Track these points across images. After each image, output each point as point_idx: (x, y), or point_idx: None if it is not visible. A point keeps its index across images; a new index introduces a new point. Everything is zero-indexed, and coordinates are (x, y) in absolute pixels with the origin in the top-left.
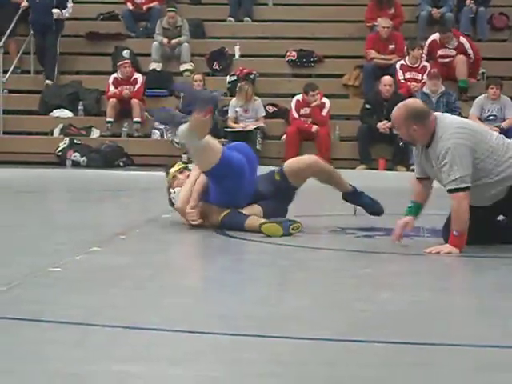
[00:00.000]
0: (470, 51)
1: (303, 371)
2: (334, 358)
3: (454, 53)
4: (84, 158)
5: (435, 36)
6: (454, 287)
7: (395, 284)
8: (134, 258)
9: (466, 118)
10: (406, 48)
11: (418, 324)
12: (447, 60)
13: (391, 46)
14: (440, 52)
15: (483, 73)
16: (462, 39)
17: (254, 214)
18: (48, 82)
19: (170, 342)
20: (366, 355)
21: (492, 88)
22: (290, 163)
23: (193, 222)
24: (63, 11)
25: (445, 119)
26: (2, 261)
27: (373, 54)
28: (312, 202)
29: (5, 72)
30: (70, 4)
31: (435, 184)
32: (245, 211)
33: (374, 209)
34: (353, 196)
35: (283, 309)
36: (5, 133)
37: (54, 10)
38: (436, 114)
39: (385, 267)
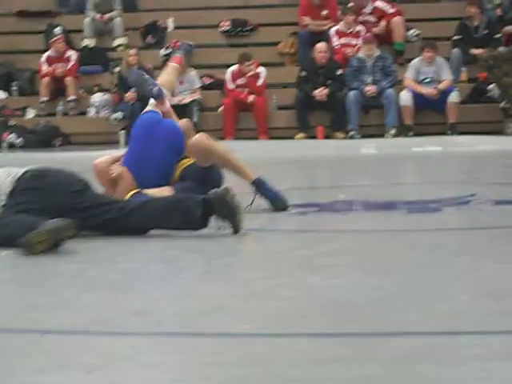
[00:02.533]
0: (391, 11)
1: (226, 373)
2: (257, 355)
3: (373, 19)
4: (20, 139)
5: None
6: (383, 267)
7: (325, 266)
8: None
9: (402, 81)
10: (339, 13)
11: (344, 312)
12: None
13: (325, 12)
14: (359, 19)
15: (418, 34)
16: (379, 3)
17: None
18: None
19: (88, 346)
20: (290, 351)
21: (428, 52)
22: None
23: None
24: None
25: None
26: None
27: (307, 20)
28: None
29: None
30: None
31: (364, 151)
32: (151, 192)
33: (279, 205)
34: (257, 187)
35: (206, 301)
36: None
37: None
38: None
39: (317, 247)
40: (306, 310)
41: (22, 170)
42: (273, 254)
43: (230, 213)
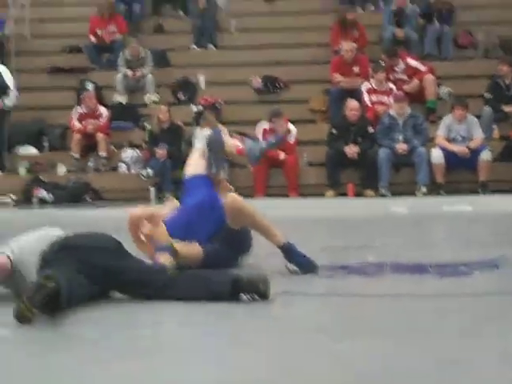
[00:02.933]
0: (423, 69)
1: None
2: None
3: (405, 77)
4: (50, 195)
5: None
6: (413, 335)
7: (353, 332)
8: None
9: (433, 139)
10: (370, 71)
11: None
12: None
13: (356, 69)
14: (391, 77)
15: (449, 92)
16: (410, 61)
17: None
18: None
19: None
20: None
21: (458, 109)
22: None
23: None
24: (5, 101)
25: None
26: None
27: (338, 77)
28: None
29: None
30: (13, 92)
31: (395, 209)
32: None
33: (307, 269)
34: (285, 252)
35: (236, 371)
36: None
37: None
38: None
39: (344, 312)
40: (339, 380)
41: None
42: (299, 319)
43: (259, 295)
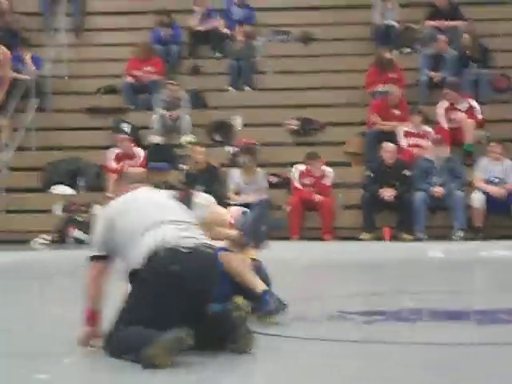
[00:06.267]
0: (480, 114)
1: None
2: None
3: (464, 116)
4: (87, 235)
5: (444, 102)
6: None
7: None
8: None
9: (470, 183)
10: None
11: None
12: (456, 125)
13: (397, 112)
14: (452, 115)
15: (487, 136)
16: (472, 101)
17: None
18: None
19: None
20: None
21: (493, 149)
22: None
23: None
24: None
25: None
26: None
27: (375, 119)
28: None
29: None
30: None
31: (432, 254)
32: None
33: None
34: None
35: None
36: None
37: None
38: None
39: (380, 360)
40: None
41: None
42: (337, 367)
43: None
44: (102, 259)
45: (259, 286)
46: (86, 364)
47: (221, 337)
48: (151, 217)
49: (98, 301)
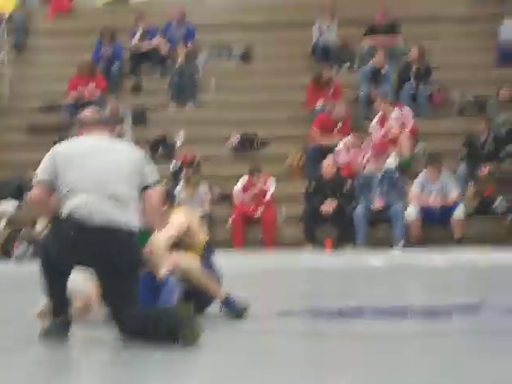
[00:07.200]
0: (412, 123)
1: None
2: None
3: (397, 125)
4: (30, 250)
5: (378, 114)
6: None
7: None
8: None
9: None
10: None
11: None
12: (392, 136)
13: (339, 127)
14: (386, 126)
15: (425, 149)
16: (404, 110)
17: None
18: None
19: None
20: None
21: (431, 168)
22: None
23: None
24: None
25: None
26: None
27: (317, 134)
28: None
29: None
30: None
31: (372, 263)
32: None
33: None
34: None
35: None
36: None
37: None
38: None
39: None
40: None
41: None
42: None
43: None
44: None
45: (221, 290)
46: None
47: (170, 331)
48: (83, 181)
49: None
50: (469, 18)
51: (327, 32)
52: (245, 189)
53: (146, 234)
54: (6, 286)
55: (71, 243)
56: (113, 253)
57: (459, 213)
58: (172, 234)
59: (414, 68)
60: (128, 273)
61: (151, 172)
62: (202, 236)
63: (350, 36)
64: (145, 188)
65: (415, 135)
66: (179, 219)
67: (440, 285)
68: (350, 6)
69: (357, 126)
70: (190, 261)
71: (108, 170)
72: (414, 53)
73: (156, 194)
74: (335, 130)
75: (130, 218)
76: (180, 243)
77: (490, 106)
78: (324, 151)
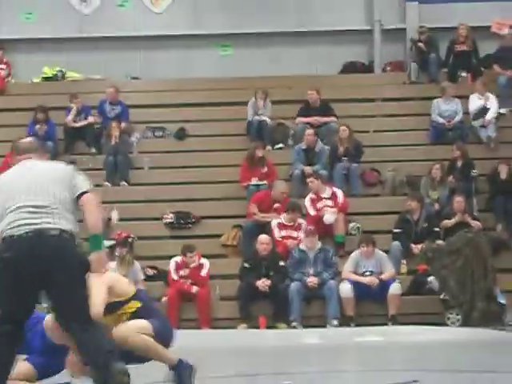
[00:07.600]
0: (342, 200)
1: None
2: None
3: (330, 203)
4: None
5: (310, 194)
6: None
7: None
8: None
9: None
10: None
11: None
12: (322, 213)
13: (276, 205)
14: (318, 204)
15: (358, 227)
16: (335, 189)
17: None
18: None
19: None
20: None
21: (363, 246)
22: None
23: None
24: None
25: None
26: None
27: (255, 209)
28: None
29: None
30: None
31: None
32: None
33: None
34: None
35: None
36: None
37: None
38: None
39: None
40: None
41: None
42: None
43: None
44: None
45: (172, 357)
46: None
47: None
48: (13, 200)
49: None
50: (403, 98)
51: (261, 111)
52: (179, 266)
53: (94, 239)
54: None
55: (12, 265)
56: (49, 258)
57: (394, 288)
58: (102, 298)
59: (344, 147)
60: (72, 278)
61: (83, 181)
62: (129, 288)
63: (284, 115)
64: (80, 195)
65: (345, 210)
66: (98, 282)
67: (373, 363)
68: (284, 86)
69: (291, 203)
70: (135, 334)
71: (32, 182)
72: (343, 132)
73: (92, 196)
74: (273, 207)
75: (60, 223)
76: (113, 304)
77: (423, 184)
78: (260, 228)
